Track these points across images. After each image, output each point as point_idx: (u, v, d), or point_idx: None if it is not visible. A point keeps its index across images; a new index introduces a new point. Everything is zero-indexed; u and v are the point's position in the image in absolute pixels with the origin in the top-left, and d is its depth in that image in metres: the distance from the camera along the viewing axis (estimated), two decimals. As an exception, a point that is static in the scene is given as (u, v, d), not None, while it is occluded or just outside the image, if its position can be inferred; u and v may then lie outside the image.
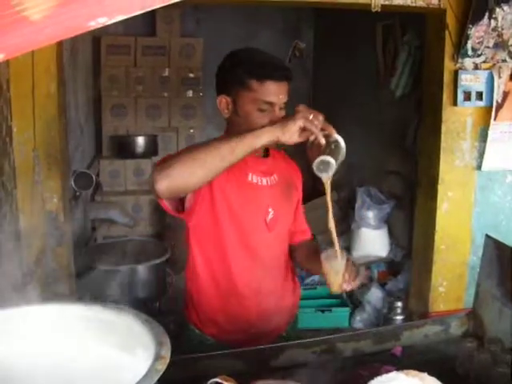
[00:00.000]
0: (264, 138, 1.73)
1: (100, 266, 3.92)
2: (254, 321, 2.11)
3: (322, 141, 1.74)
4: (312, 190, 6.81)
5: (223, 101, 2.01)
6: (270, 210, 2.09)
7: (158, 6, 0.60)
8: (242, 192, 2.04)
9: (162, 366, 1.10)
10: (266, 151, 2.14)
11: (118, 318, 1.36)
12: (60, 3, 0.56)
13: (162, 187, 1.76)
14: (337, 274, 1.88)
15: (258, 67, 1.94)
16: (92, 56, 6.33)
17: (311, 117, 1.75)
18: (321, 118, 1.77)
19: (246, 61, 1.99)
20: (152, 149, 6.16)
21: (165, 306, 4.10)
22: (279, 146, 2.01)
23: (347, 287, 1.89)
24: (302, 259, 2.27)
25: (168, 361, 1.13)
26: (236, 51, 2.06)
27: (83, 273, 3.83)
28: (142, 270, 3.91)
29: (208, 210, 2.00)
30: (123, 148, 6.11)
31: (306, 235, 2.35)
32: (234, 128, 2.00)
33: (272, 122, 1.90)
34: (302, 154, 1.96)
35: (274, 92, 1.92)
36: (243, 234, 2.06)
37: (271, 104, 1.93)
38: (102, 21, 0.60)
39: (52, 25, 0.57)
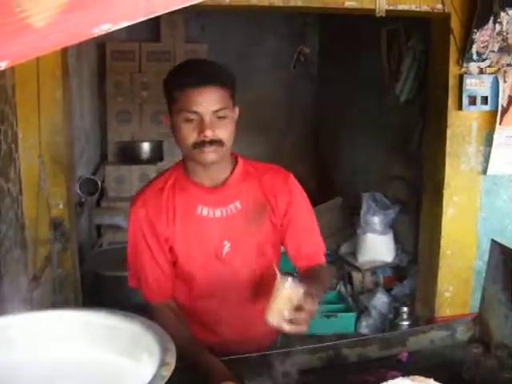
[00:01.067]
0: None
1: (105, 271, 3.93)
2: (218, 349, 1.91)
3: None
4: (317, 195, 6.80)
5: (165, 121, 1.92)
6: (225, 242, 1.92)
7: (161, 13, 0.60)
8: (190, 227, 1.91)
9: (167, 372, 1.10)
10: (228, 176, 1.94)
11: (124, 324, 1.36)
12: (63, 10, 0.57)
13: None
14: (284, 302, 1.61)
15: (177, 76, 1.83)
16: (97, 62, 6.35)
17: None
18: None
19: (172, 72, 1.87)
20: (157, 154, 6.17)
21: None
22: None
23: (286, 327, 1.63)
24: None
25: (173, 367, 1.13)
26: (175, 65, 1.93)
27: (88, 278, 3.84)
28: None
29: (171, 245, 1.93)
30: (128, 154, 6.13)
31: (313, 261, 2.03)
32: (181, 150, 1.89)
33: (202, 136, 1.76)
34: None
35: (196, 99, 1.75)
36: (197, 267, 1.95)
37: (197, 113, 1.76)
38: (106, 27, 0.60)
39: (55, 32, 0.57)
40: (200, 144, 1.78)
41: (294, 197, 1.99)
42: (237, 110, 1.89)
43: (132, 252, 1.97)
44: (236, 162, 1.97)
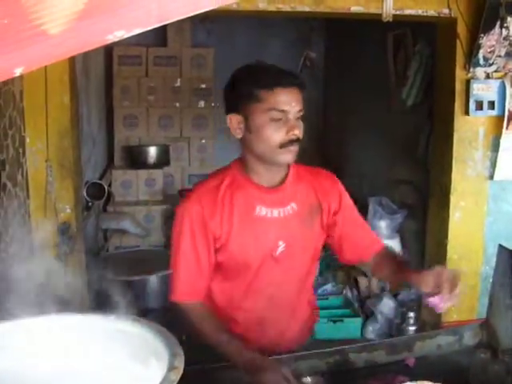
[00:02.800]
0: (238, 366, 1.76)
1: (112, 276, 3.93)
2: (257, 349, 1.94)
3: None
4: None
5: (233, 120, 1.89)
6: (280, 243, 1.96)
7: (175, 19, 0.60)
8: (248, 226, 1.93)
9: (175, 377, 1.10)
10: (283, 178, 2.00)
11: (132, 329, 1.36)
12: (78, 17, 0.57)
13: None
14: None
15: (265, 76, 1.84)
16: (104, 67, 6.37)
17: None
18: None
19: (252, 73, 1.89)
20: (164, 159, 6.18)
21: (177, 316, 4.09)
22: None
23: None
24: (379, 268, 2.15)
25: (181, 371, 1.13)
26: (241, 67, 1.95)
27: (95, 283, 3.84)
28: (154, 280, 3.91)
29: (222, 244, 1.95)
30: (135, 158, 6.14)
31: (373, 248, 2.15)
32: (249, 147, 1.90)
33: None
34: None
35: (286, 99, 1.82)
36: (251, 265, 1.96)
37: (284, 112, 1.82)
38: (120, 34, 0.60)
39: (70, 38, 0.58)
40: (288, 143, 1.83)
41: (344, 197, 2.12)
42: None
43: (175, 253, 1.98)
44: (288, 165, 2.01)
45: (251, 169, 1.94)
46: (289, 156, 1.86)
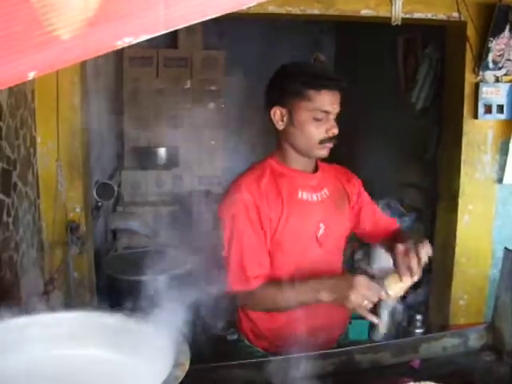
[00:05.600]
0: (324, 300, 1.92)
1: (120, 275, 3.96)
2: (302, 335, 2.00)
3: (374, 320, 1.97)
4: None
5: (277, 112, 2.04)
6: (320, 225, 2.09)
7: (181, 26, 0.62)
8: (295, 209, 2.04)
9: (180, 373, 1.12)
10: (315, 166, 2.17)
11: (139, 327, 1.38)
12: (88, 23, 0.59)
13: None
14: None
15: (314, 78, 1.99)
16: (115, 68, 6.39)
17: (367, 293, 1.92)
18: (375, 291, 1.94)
19: (300, 72, 2.03)
20: (173, 160, 6.20)
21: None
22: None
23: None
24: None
25: (187, 368, 1.15)
26: (287, 64, 2.11)
27: (103, 282, 3.87)
28: (163, 279, 3.93)
29: (275, 227, 2.03)
30: (145, 159, 6.16)
31: (391, 229, 2.36)
32: (289, 139, 2.06)
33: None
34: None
35: (330, 101, 1.98)
36: (295, 249, 2.05)
37: (327, 113, 1.99)
38: (128, 40, 0.63)
39: (81, 44, 0.60)
40: (326, 140, 2.01)
41: (360, 186, 2.30)
42: None
43: (232, 242, 2.02)
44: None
45: (290, 159, 2.10)
46: (325, 151, 2.04)
